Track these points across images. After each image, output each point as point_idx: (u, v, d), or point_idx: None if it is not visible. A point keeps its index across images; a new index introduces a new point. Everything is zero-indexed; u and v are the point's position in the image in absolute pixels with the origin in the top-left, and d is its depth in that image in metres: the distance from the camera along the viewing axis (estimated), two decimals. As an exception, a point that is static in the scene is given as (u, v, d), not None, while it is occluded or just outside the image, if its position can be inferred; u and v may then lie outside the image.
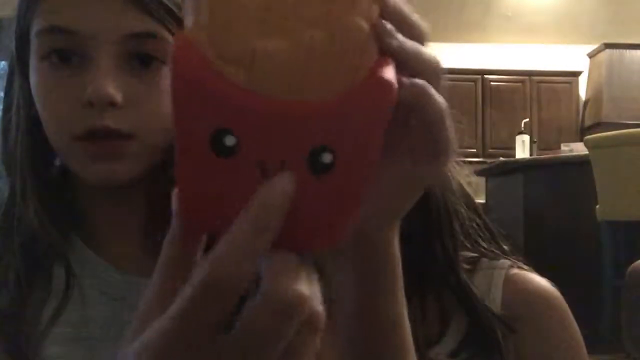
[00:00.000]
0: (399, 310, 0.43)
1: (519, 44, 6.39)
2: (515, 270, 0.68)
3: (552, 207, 3.22)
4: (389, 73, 0.27)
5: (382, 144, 0.27)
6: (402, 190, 0.38)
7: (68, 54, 0.55)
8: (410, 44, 0.31)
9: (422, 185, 0.39)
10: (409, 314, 0.64)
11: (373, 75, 0.26)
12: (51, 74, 0.55)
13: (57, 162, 0.63)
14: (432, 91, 0.33)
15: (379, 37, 0.28)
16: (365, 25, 0.26)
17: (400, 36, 0.30)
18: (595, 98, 6.08)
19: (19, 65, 0.60)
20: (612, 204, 2.74)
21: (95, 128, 0.54)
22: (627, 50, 5.98)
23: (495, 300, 0.65)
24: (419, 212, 0.64)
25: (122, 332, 0.32)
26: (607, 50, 5.99)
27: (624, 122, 5.33)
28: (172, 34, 0.56)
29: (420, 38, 0.33)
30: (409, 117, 0.34)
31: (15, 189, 0.59)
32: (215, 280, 0.26)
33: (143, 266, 0.59)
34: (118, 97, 0.54)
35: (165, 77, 0.57)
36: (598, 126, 5.63)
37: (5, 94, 0.63)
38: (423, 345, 0.63)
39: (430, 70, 0.33)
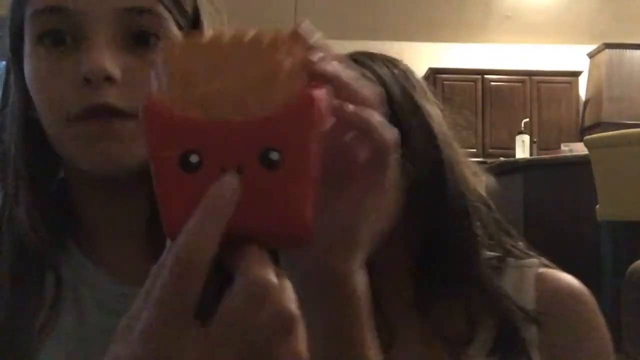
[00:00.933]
0: (364, 335, 0.44)
1: (519, 44, 6.39)
2: (545, 269, 0.69)
3: (552, 207, 3.22)
4: (316, 91, 0.34)
5: (322, 144, 0.35)
6: (355, 222, 0.41)
7: (61, 35, 0.53)
8: (344, 72, 0.37)
9: (373, 216, 0.41)
10: (437, 315, 0.64)
11: (302, 92, 0.34)
12: (45, 57, 0.54)
13: (54, 164, 0.61)
14: (376, 121, 0.37)
15: (311, 66, 0.35)
16: (289, 59, 0.34)
17: (334, 64, 0.36)
18: (595, 98, 6.08)
19: (14, 61, 0.58)
20: (612, 204, 2.74)
21: (93, 106, 0.52)
22: (627, 50, 5.98)
23: (528, 299, 0.67)
24: (437, 212, 0.65)
25: None
26: (607, 50, 5.99)
27: (624, 122, 5.33)
28: (168, 10, 0.55)
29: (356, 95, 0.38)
30: (355, 147, 0.38)
31: (8, 191, 0.58)
32: (181, 262, 0.30)
33: (143, 275, 0.57)
34: (115, 71, 0.52)
35: None
36: (598, 126, 5.63)
37: (3, 93, 0.61)
38: (457, 346, 0.65)
39: (368, 102, 0.38)
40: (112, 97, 0.52)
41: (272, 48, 0.34)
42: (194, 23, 0.59)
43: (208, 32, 0.37)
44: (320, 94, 0.34)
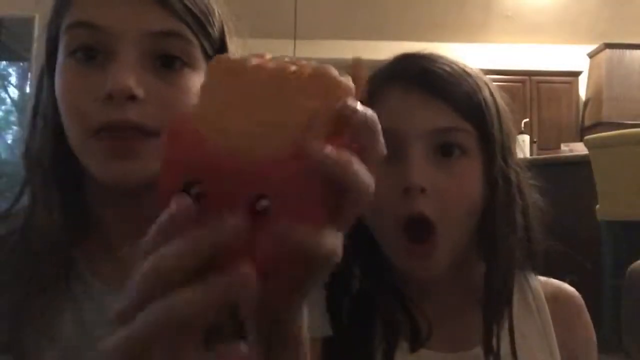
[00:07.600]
0: None
1: (519, 44, 6.38)
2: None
3: (552, 207, 3.22)
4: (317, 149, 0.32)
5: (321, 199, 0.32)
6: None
7: (94, 52, 0.56)
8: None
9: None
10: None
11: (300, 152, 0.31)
12: (75, 69, 0.56)
13: (81, 170, 0.61)
14: (357, 169, 0.31)
15: (347, 117, 0.31)
16: (310, 104, 0.32)
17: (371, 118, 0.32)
18: (595, 98, 6.08)
19: (49, 72, 0.61)
20: (612, 204, 2.74)
21: (113, 122, 0.54)
22: (627, 50, 5.98)
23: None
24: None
25: None
26: (607, 50, 5.99)
27: (624, 122, 5.33)
28: (195, 35, 0.58)
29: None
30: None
31: (35, 195, 0.59)
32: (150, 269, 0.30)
33: None
34: (139, 91, 0.53)
35: (187, 77, 0.58)
36: (598, 126, 5.63)
37: (36, 98, 0.64)
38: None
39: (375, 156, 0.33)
40: (133, 114, 0.54)
41: (309, 88, 0.32)
42: (220, 44, 0.63)
43: (251, 59, 0.34)
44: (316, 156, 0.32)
